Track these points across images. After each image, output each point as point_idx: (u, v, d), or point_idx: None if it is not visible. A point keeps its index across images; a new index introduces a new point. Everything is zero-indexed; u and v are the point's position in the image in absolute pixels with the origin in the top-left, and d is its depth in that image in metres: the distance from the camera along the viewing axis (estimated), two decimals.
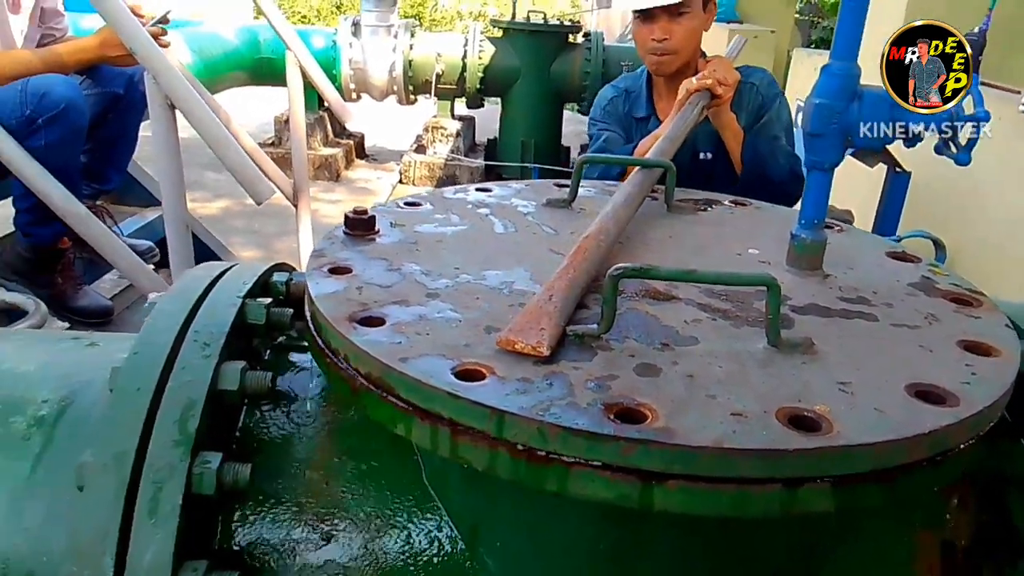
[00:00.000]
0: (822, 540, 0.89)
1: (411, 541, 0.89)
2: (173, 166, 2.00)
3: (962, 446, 0.72)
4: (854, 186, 3.21)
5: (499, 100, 8.21)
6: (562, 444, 0.64)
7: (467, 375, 0.71)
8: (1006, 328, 0.90)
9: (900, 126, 0.98)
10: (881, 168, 2.88)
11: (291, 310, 1.00)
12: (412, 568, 0.88)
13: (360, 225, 1.07)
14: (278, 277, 1.09)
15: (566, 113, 8.46)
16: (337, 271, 0.93)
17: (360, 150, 9.57)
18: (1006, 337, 0.87)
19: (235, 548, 0.88)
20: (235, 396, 0.89)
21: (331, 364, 0.82)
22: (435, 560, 0.88)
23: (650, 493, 0.64)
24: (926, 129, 0.99)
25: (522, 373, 0.71)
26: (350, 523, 0.90)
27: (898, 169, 2.84)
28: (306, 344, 1.07)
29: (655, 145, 1.66)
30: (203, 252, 3.25)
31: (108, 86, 2.68)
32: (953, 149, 1.00)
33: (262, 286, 1.07)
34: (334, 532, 0.89)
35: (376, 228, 1.09)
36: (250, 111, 9.23)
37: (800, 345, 0.79)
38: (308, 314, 0.89)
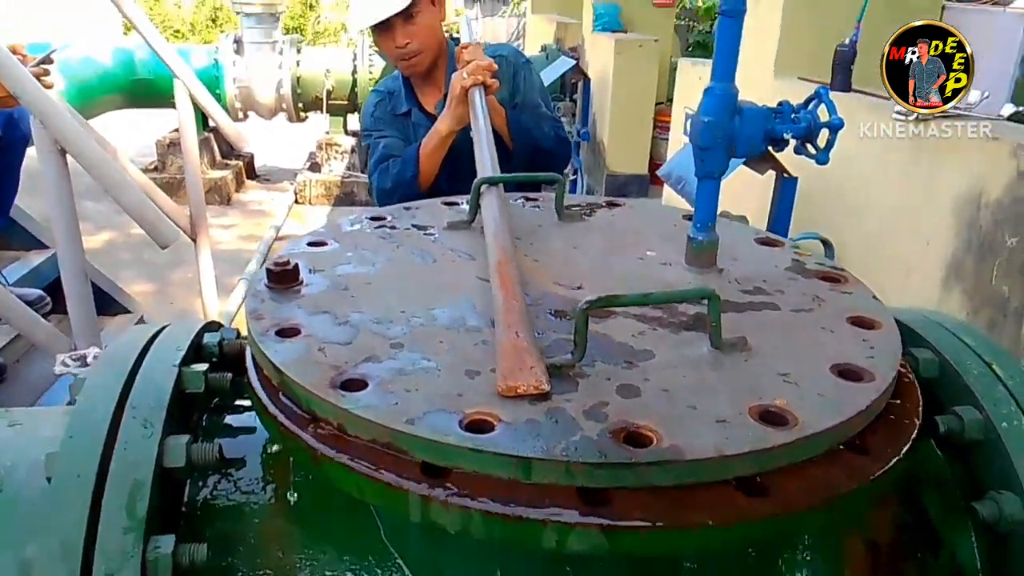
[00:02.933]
0: (760, 556, 0.94)
1: None
2: (67, 214, 1.89)
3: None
4: (747, 193, 3.38)
5: None
6: (587, 478, 0.69)
7: (476, 426, 0.73)
8: (874, 300, 1.04)
9: (771, 136, 1.11)
10: (771, 174, 3.04)
11: (230, 374, 0.98)
12: None
13: (286, 277, 1.04)
14: (209, 338, 1.06)
15: None
16: (285, 332, 0.91)
17: (250, 171, 9.30)
18: (879, 309, 1.01)
19: None
20: (183, 472, 0.86)
21: (287, 431, 0.81)
22: None
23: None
24: (792, 136, 1.12)
25: (526, 415, 0.74)
26: None
27: (786, 175, 3.00)
28: (240, 406, 1.05)
29: (478, 151, 1.72)
30: (96, 295, 3.08)
31: None
32: (812, 151, 1.14)
33: (194, 348, 1.04)
34: None
35: (300, 277, 1.05)
36: (123, 134, 8.80)
37: (737, 344, 0.87)
38: (275, 382, 0.85)
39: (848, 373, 0.84)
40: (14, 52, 1.99)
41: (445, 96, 2.35)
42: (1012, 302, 2.19)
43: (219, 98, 7.97)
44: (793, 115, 1.11)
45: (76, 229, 1.96)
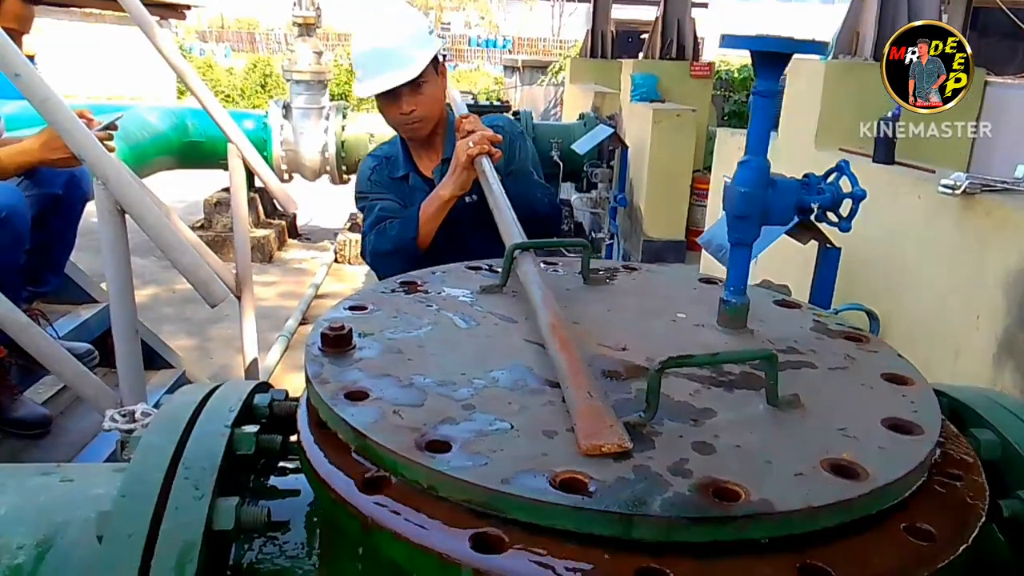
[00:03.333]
0: None
1: None
2: (123, 273, 1.94)
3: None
4: (789, 263, 3.36)
5: None
6: (687, 533, 0.70)
7: (567, 485, 0.73)
8: (900, 358, 1.07)
9: (801, 206, 1.16)
10: (813, 245, 3.02)
11: (279, 436, 0.98)
12: None
13: (341, 341, 1.04)
14: (260, 399, 1.07)
15: None
16: (354, 395, 0.90)
17: (293, 230, 9.51)
18: (907, 366, 1.04)
19: None
20: (232, 534, 0.86)
21: (338, 497, 0.81)
22: None
23: None
24: (819, 205, 1.17)
25: (613, 474, 0.75)
26: None
27: (829, 245, 2.98)
28: (286, 467, 1.05)
29: (499, 216, 1.79)
30: (148, 352, 3.14)
31: (47, 187, 2.61)
32: (835, 219, 1.20)
33: (245, 409, 1.05)
34: None
35: (353, 341, 1.05)
36: (176, 193, 9.08)
37: (792, 402, 0.90)
38: (354, 447, 0.84)
39: (899, 427, 0.87)
40: (81, 116, 2.08)
41: (443, 162, 2.45)
42: None
43: (266, 160, 8.21)
44: (819, 186, 1.17)
45: (130, 288, 2.01)
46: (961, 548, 0.76)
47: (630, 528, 0.70)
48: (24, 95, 1.82)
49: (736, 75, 12.63)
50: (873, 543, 0.77)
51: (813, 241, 3.12)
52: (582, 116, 8.67)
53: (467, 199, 2.38)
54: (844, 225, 1.19)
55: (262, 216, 8.89)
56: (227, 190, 7.82)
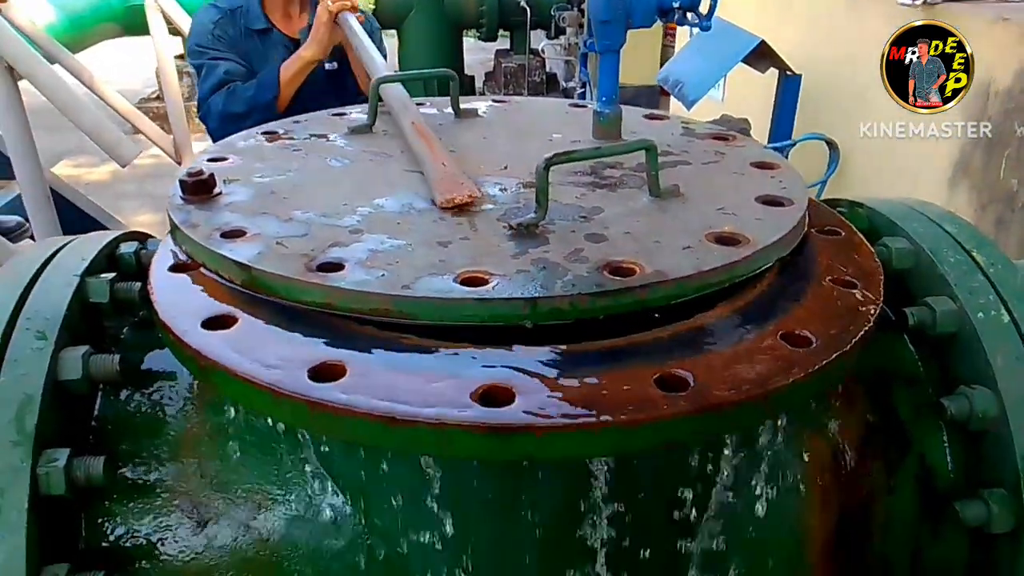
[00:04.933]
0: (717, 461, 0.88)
1: (296, 513, 0.84)
2: (22, 136, 1.82)
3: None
4: (748, 94, 3.22)
5: (395, 33, 7.90)
6: (592, 305, 0.73)
7: (472, 283, 0.75)
8: (767, 150, 1.14)
9: (662, 7, 1.18)
10: (773, 74, 2.89)
11: (138, 284, 0.92)
12: (300, 540, 0.84)
13: (202, 188, 0.96)
14: (125, 248, 1.00)
15: (467, 41, 8.23)
16: (231, 235, 0.85)
17: None
18: (773, 155, 1.11)
19: (103, 545, 0.82)
20: (80, 385, 0.81)
21: (176, 338, 0.75)
22: (324, 529, 0.84)
23: None
24: (679, 5, 1.17)
25: (514, 267, 0.77)
26: (227, 503, 0.84)
27: (789, 72, 2.85)
28: None
29: (367, 58, 1.86)
30: (84, 222, 3.04)
31: None
32: (694, 19, 1.20)
33: (108, 259, 0.98)
34: (210, 515, 0.84)
35: (218, 188, 0.98)
36: (136, 65, 8.67)
37: (672, 192, 0.95)
38: (239, 281, 0.81)
39: (772, 202, 0.93)
40: None
41: (309, 24, 2.37)
42: (1021, 196, 2.06)
43: None
44: None
45: (33, 151, 1.89)
46: (835, 354, 0.72)
47: (536, 311, 0.73)
48: None
49: None
50: (744, 350, 0.72)
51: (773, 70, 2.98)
52: None
53: (327, 66, 2.38)
54: (704, 24, 1.21)
55: None
56: (182, 57, 7.45)
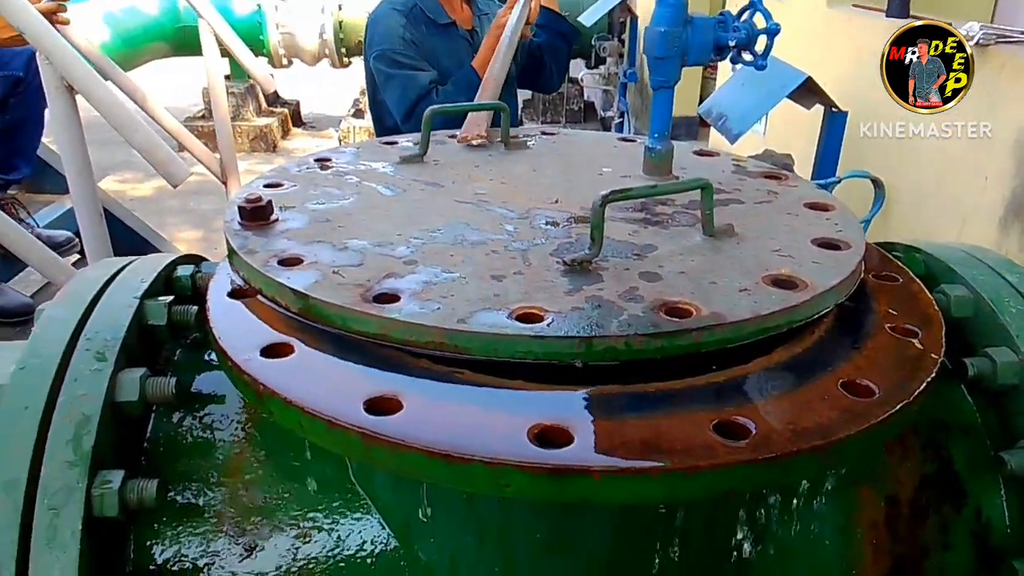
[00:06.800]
0: (765, 508, 0.87)
1: (341, 543, 0.84)
2: (78, 153, 1.87)
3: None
4: (792, 131, 3.20)
5: None
6: (647, 346, 0.73)
7: (528, 318, 0.75)
8: (819, 190, 1.14)
9: (718, 44, 1.17)
10: (818, 110, 2.87)
11: (195, 307, 0.93)
12: (344, 571, 0.84)
13: (259, 214, 0.98)
14: (182, 271, 1.02)
15: None
16: (288, 262, 0.86)
17: (296, 118, 9.30)
18: (827, 195, 1.10)
19: (151, 568, 0.83)
20: (136, 407, 0.82)
21: (236, 367, 0.76)
22: (368, 560, 0.84)
23: None
24: (736, 44, 1.17)
25: (569, 304, 0.77)
26: (274, 530, 0.84)
27: (835, 109, 2.82)
28: None
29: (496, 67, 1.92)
30: (131, 239, 3.10)
31: (5, 69, 2.50)
32: (750, 57, 1.20)
33: (165, 282, 1.00)
34: (257, 541, 0.84)
35: (274, 214, 0.99)
36: (181, 84, 8.88)
37: (727, 231, 0.94)
38: (295, 309, 0.81)
39: (828, 244, 0.92)
40: None
41: (477, 15, 2.53)
42: None
43: (263, 45, 7.94)
44: (734, 24, 1.16)
45: (88, 169, 1.93)
46: (900, 405, 0.71)
47: (591, 349, 0.72)
48: None
49: None
50: (804, 399, 0.71)
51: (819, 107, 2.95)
52: None
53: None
54: (759, 62, 1.19)
55: (264, 105, 8.68)
56: (229, 77, 7.62)
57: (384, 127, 2.60)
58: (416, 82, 2.36)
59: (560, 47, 2.76)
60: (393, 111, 2.45)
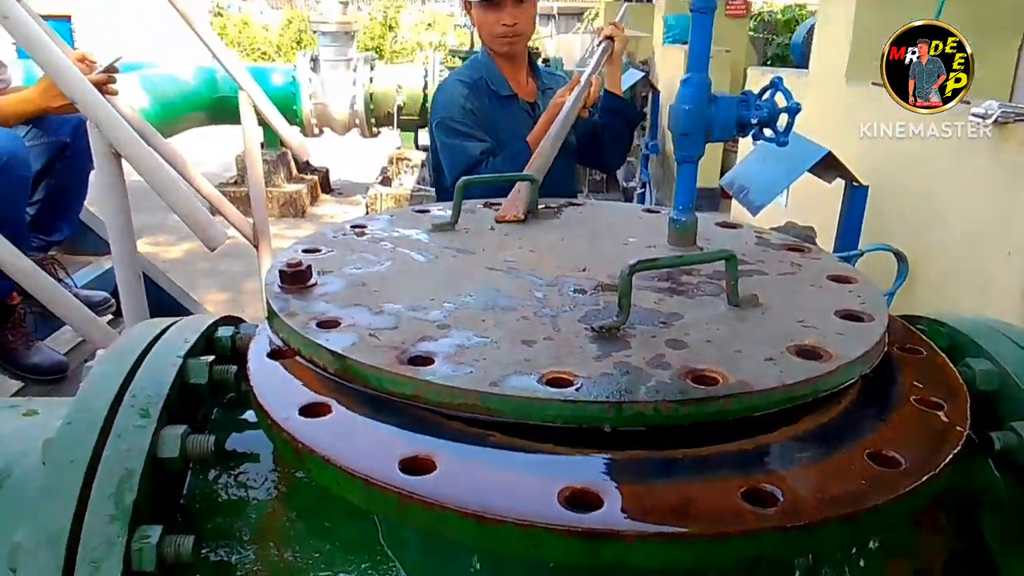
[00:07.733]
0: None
1: None
2: (121, 217, 1.95)
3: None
4: (814, 203, 3.24)
5: None
6: (675, 412, 0.74)
7: (558, 382, 0.77)
8: (842, 263, 1.16)
9: (741, 122, 1.22)
10: (840, 184, 2.91)
11: (235, 367, 0.96)
12: None
13: (300, 277, 1.02)
14: (223, 332, 1.05)
15: None
16: (327, 324, 0.89)
17: (325, 185, 9.54)
18: (850, 268, 1.12)
19: None
20: (176, 463, 0.85)
21: (274, 423, 0.79)
22: None
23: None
24: (758, 121, 1.22)
25: (597, 370, 0.79)
26: None
27: (856, 183, 2.86)
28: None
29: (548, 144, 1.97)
30: (162, 300, 3.18)
31: (54, 135, 2.62)
32: (771, 134, 1.23)
33: (207, 342, 1.03)
34: None
35: (313, 278, 1.04)
36: (214, 150, 9.16)
37: (751, 301, 0.96)
38: (332, 370, 0.84)
39: (852, 316, 0.94)
40: (82, 60, 2.07)
41: (540, 90, 2.63)
42: None
43: (295, 114, 8.21)
44: (756, 103, 1.20)
45: (130, 233, 2.01)
46: (926, 477, 0.71)
47: (620, 414, 0.73)
48: (14, 39, 1.81)
49: (779, 16, 12.19)
50: (831, 468, 0.72)
51: (840, 180, 3.00)
52: None
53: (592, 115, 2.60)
54: (781, 139, 1.23)
55: (294, 171, 8.93)
56: (263, 145, 7.86)
57: (443, 188, 2.73)
58: (467, 151, 2.47)
59: (621, 130, 2.85)
60: (447, 176, 2.58)
